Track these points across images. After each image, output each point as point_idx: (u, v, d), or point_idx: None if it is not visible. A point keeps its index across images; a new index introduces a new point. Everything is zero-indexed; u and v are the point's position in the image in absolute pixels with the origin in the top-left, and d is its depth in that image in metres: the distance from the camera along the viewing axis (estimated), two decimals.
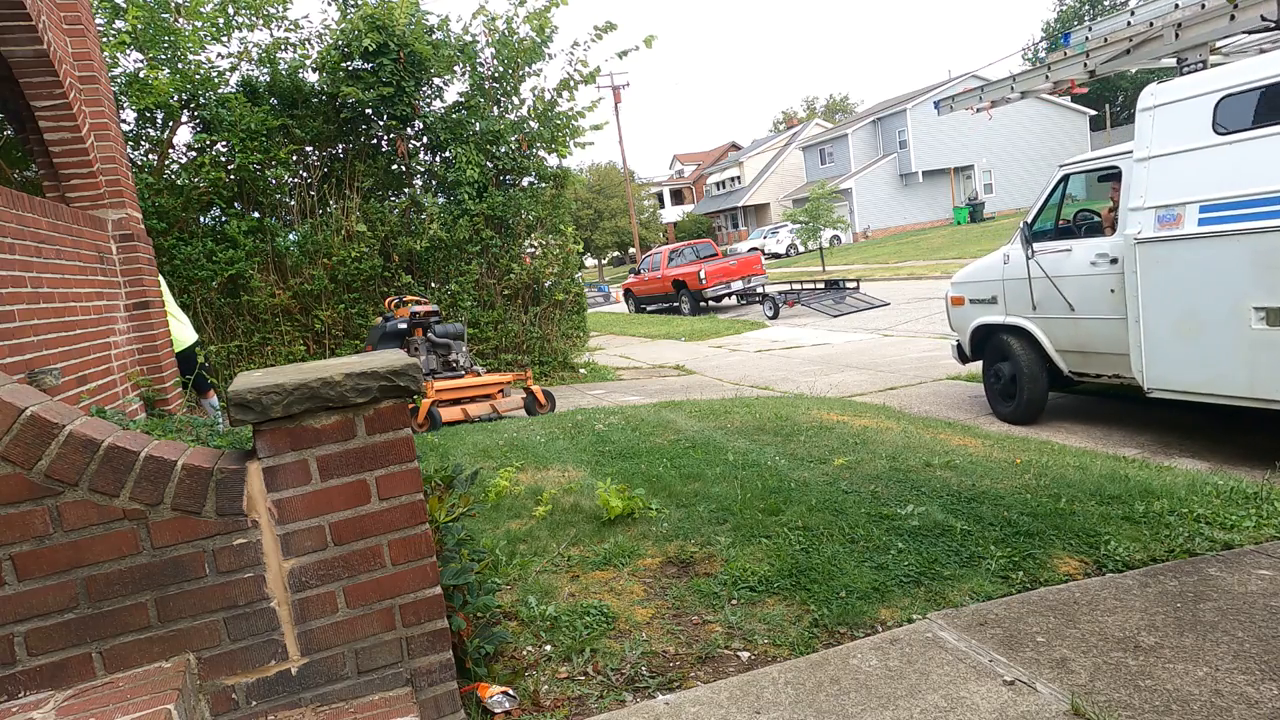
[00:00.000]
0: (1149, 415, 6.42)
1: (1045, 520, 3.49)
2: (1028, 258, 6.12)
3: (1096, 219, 6.22)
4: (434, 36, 10.97)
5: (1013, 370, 6.52)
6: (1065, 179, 6.28)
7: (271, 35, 10.79)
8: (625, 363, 13.18)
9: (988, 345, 6.89)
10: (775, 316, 17.74)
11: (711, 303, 22.09)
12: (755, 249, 31.58)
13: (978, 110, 8.07)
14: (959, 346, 7.35)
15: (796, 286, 19.34)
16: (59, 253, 3.89)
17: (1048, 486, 3.97)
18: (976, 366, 8.89)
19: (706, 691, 2.42)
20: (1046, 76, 7.22)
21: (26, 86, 4.30)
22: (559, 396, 8.96)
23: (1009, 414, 6.63)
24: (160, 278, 5.92)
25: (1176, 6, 5.75)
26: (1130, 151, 5.47)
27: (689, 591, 3.09)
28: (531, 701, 2.43)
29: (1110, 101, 53.22)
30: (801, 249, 39.14)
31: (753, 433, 5.53)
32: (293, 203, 10.60)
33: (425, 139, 11.35)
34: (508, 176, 11.59)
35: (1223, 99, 4.82)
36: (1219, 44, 5.79)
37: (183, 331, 6.12)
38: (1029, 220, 6.33)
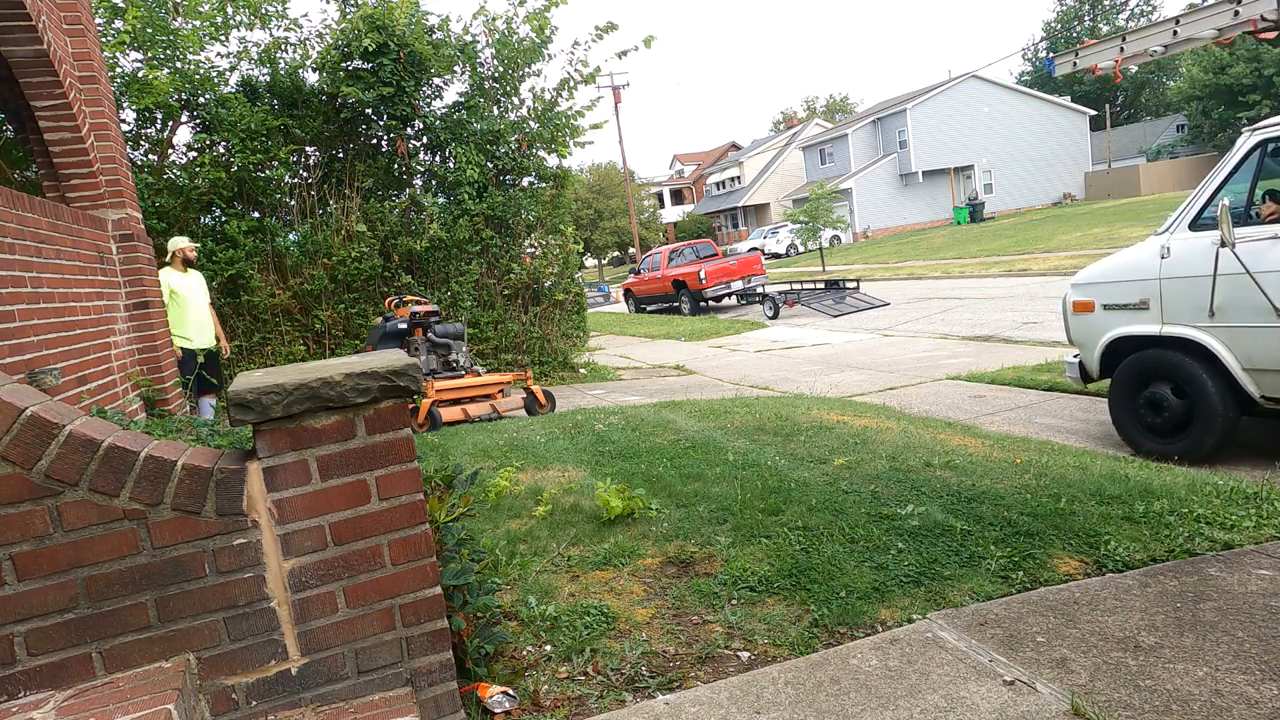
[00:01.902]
0: None
1: (1045, 520, 3.49)
2: (1222, 247, 4.66)
3: None
4: (434, 36, 10.98)
5: (1183, 395, 5.17)
6: (1262, 145, 4.81)
7: (271, 35, 10.82)
8: (625, 363, 13.18)
9: (1127, 362, 5.50)
10: (775, 316, 17.74)
11: (711, 303, 22.09)
12: (755, 249, 31.58)
13: (1102, 68, 6.31)
14: (1080, 364, 5.85)
15: (796, 286, 19.33)
16: (59, 253, 3.90)
17: (1048, 486, 3.97)
18: (976, 367, 8.94)
19: (706, 691, 2.42)
20: (1236, 13, 5.40)
21: (26, 86, 4.30)
22: (559, 396, 8.97)
23: (1176, 449, 5.16)
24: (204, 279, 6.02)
25: None
26: None
27: (689, 591, 3.09)
28: (531, 701, 2.43)
29: (1110, 101, 53.18)
30: (801, 249, 39.16)
31: (753, 433, 5.53)
32: (293, 203, 10.60)
33: (425, 139, 11.36)
34: (508, 176, 11.60)
35: None
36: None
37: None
38: (1208, 201, 4.97)
